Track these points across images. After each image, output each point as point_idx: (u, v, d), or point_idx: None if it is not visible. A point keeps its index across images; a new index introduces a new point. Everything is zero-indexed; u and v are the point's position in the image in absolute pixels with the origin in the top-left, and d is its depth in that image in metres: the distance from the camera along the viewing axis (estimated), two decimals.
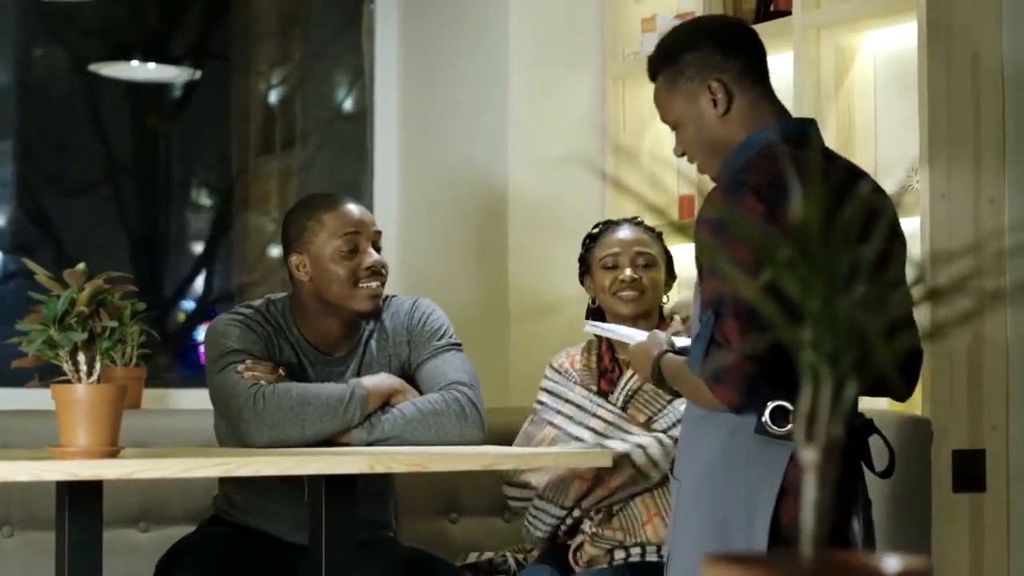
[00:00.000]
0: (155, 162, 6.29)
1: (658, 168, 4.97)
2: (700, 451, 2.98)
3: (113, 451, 3.09)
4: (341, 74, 6.20)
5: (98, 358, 3.11)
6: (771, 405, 2.82)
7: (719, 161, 3.08)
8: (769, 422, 2.84)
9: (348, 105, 6.22)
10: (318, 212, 3.83)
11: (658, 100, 3.15)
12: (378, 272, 3.81)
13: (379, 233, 3.87)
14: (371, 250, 3.81)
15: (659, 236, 4.08)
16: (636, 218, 4.12)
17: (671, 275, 4.07)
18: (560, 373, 4.06)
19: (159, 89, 6.27)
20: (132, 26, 6.18)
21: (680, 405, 3.88)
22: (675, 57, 3.09)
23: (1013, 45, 3.92)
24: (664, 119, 3.16)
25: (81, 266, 3.14)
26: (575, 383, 4.02)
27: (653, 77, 3.16)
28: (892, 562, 1.36)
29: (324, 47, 6.19)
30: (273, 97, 6.26)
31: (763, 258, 1.50)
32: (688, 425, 3.07)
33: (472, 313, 4.56)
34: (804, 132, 3.06)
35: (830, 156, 3.10)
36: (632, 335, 3.39)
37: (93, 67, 5.99)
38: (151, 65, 6.13)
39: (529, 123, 4.92)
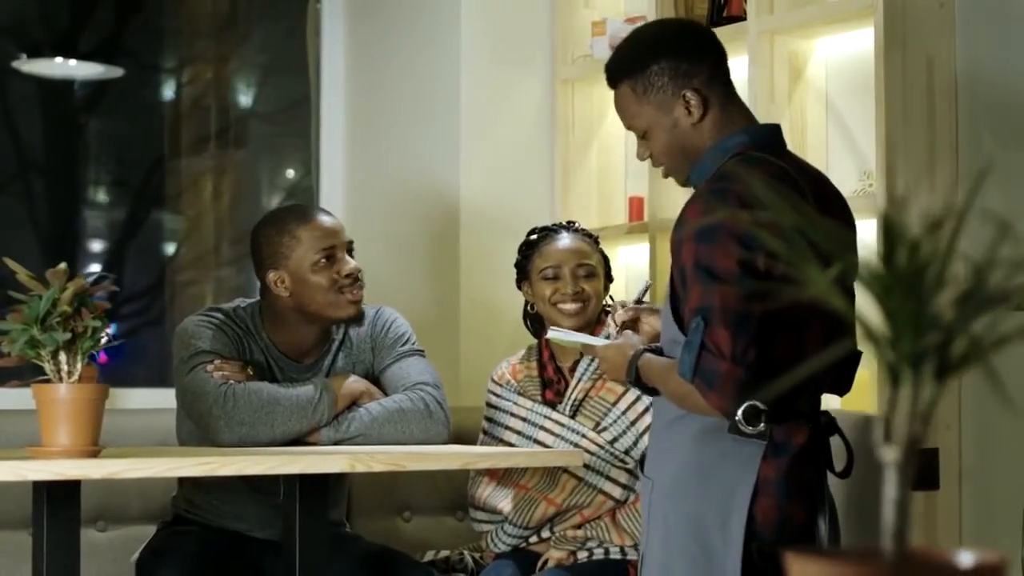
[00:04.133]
0: (67, 160, 6.24)
1: (607, 170, 5.02)
2: (673, 450, 3.02)
3: (94, 451, 3.08)
4: (277, 74, 6.19)
5: (79, 358, 3.10)
6: (744, 405, 2.87)
7: (688, 167, 3.12)
8: (743, 421, 2.89)
9: (281, 105, 6.22)
10: (291, 227, 3.83)
11: (623, 107, 3.14)
12: (357, 278, 3.83)
13: (351, 241, 3.89)
14: (347, 257, 3.83)
15: (596, 242, 4.11)
16: (573, 223, 4.14)
17: (608, 279, 4.11)
18: (501, 385, 4.10)
19: (72, 86, 6.21)
20: (45, 23, 6.12)
21: (623, 407, 3.93)
22: (641, 67, 3.08)
23: (965, 52, 4.00)
24: (630, 126, 3.15)
25: (62, 266, 3.13)
26: (516, 393, 4.05)
27: (614, 84, 3.16)
28: (969, 558, 1.40)
29: (258, 45, 6.17)
30: (197, 96, 6.23)
31: (834, 256, 1.53)
32: (660, 425, 3.10)
33: (423, 315, 4.58)
34: (774, 137, 3.12)
35: (796, 162, 3.16)
36: (597, 340, 3.43)
37: (14, 64, 5.93)
38: (72, 62, 6.08)
39: (480, 126, 4.94)
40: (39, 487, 3.15)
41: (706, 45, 3.13)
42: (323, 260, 3.79)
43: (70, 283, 3.09)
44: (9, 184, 6.20)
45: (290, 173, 6.26)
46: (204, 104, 6.14)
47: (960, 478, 3.96)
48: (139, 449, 3.58)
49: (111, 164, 6.38)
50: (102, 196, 6.42)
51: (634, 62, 3.12)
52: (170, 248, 6.39)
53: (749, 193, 2.87)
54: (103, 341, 3.13)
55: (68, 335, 3.06)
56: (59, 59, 6.01)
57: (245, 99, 6.31)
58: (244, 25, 6.17)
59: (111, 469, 3.05)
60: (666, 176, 3.21)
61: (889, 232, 1.51)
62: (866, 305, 1.54)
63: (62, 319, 3.06)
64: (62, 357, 3.08)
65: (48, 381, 3.09)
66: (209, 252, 6.09)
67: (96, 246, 6.40)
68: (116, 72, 6.07)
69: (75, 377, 3.08)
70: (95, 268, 6.35)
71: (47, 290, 3.07)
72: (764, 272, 2.81)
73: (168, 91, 6.30)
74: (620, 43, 3.22)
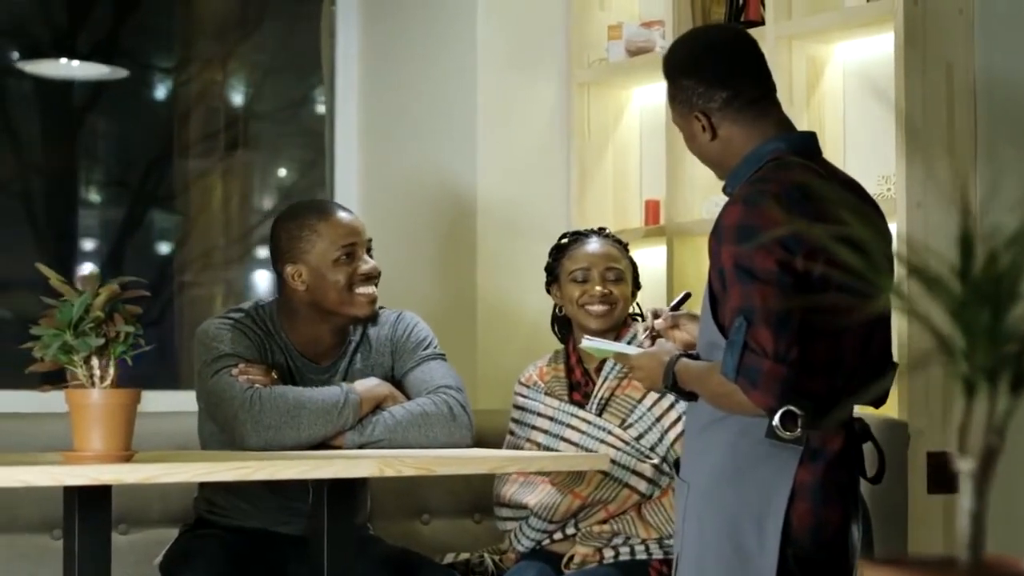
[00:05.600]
0: (67, 160, 6.24)
1: (623, 173, 5.04)
2: (709, 454, 3.05)
3: (127, 455, 3.08)
4: (283, 73, 6.19)
5: (112, 363, 3.10)
6: (781, 410, 2.90)
7: (719, 170, 3.18)
8: (779, 426, 2.92)
9: (287, 105, 6.22)
10: (313, 222, 3.84)
11: (668, 100, 3.26)
12: (373, 277, 3.85)
13: (370, 240, 3.91)
14: (366, 256, 3.85)
15: (625, 248, 4.15)
16: (603, 229, 4.18)
17: (636, 286, 4.14)
18: (528, 387, 4.13)
19: (72, 86, 6.20)
20: (44, 23, 6.11)
21: (649, 404, 3.95)
22: (672, 77, 3.21)
23: (984, 57, 4.02)
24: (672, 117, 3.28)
25: (95, 271, 3.13)
26: (543, 393, 4.08)
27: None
28: None
29: (261, 45, 6.17)
30: (200, 96, 6.23)
31: (912, 272, 1.54)
32: (695, 429, 3.13)
33: (439, 317, 4.59)
34: (809, 144, 3.16)
35: (830, 168, 3.19)
36: (631, 349, 3.45)
37: (22, 65, 5.92)
38: (75, 63, 6.08)
39: (496, 128, 4.95)
40: (71, 492, 3.15)
41: (733, 69, 3.16)
42: (343, 257, 3.81)
43: (102, 288, 3.10)
44: (7, 184, 6.19)
45: (295, 173, 6.26)
46: (207, 104, 6.14)
47: None
48: (171, 453, 3.59)
49: (112, 164, 6.37)
50: (103, 196, 6.42)
51: (669, 70, 3.23)
52: (172, 248, 6.39)
53: (785, 195, 2.91)
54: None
55: (101, 340, 3.06)
56: (63, 60, 6.01)
57: (249, 99, 6.31)
58: (246, 25, 6.17)
59: (146, 473, 3.05)
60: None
61: (965, 245, 1.52)
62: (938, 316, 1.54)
63: (95, 324, 3.07)
64: (95, 362, 3.08)
65: (67, 386, 3.10)
66: (210, 252, 6.09)
67: (98, 246, 6.39)
68: (121, 73, 6.07)
69: (108, 382, 3.09)
70: (87, 267, 6.34)
71: (78, 295, 3.08)
72: (803, 273, 2.85)
73: (171, 91, 6.30)
74: (675, 40, 3.38)
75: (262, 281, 6.14)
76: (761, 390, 2.85)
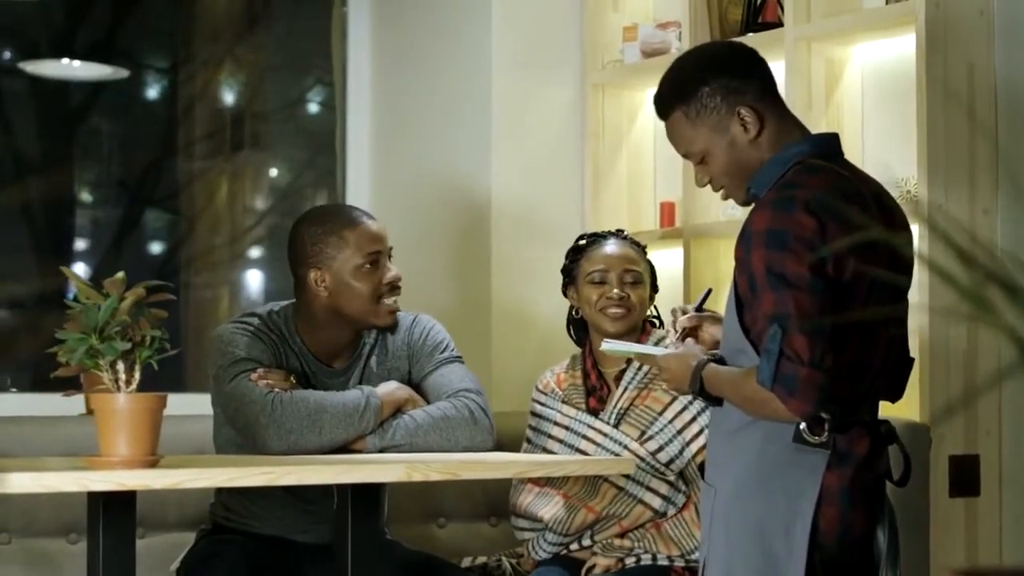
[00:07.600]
0: (63, 160, 6.21)
1: (637, 175, 5.02)
2: (736, 458, 3.04)
3: (153, 460, 3.05)
4: (285, 73, 6.18)
5: (137, 367, 3.07)
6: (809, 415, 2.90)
7: (743, 178, 3.12)
8: (806, 431, 2.91)
9: (287, 106, 6.20)
10: (339, 228, 3.81)
11: (677, 135, 3.15)
12: (396, 287, 3.83)
13: (391, 247, 3.88)
14: (389, 264, 3.83)
15: (643, 250, 4.12)
16: (621, 231, 4.15)
17: (654, 289, 4.11)
18: (546, 394, 4.11)
19: (69, 86, 6.18)
20: (42, 23, 6.09)
21: (670, 416, 3.93)
22: (692, 92, 3.10)
23: (1005, 59, 4.01)
24: (687, 153, 3.16)
25: (120, 275, 3.10)
26: (560, 401, 4.05)
27: (665, 114, 3.17)
28: None
29: (271, 45, 6.16)
30: (202, 96, 6.21)
31: (986, 279, 1.53)
32: (720, 433, 3.11)
33: (453, 320, 4.57)
34: (832, 146, 3.14)
35: (853, 170, 3.17)
36: (655, 350, 3.42)
37: (22, 65, 5.90)
38: (74, 63, 6.05)
39: (510, 130, 4.94)
40: (95, 497, 3.13)
41: (753, 63, 3.15)
42: (368, 265, 3.79)
43: (128, 292, 3.07)
44: (6, 184, 6.16)
45: (295, 173, 6.24)
46: (207, 104, 6.12)
47: (1000, 484, 3.97)
48: (194, 458, 3.56)
49: (111, 164, 6.35)
50: (101, 197, 6.40)
51: (684, 88, 3.13)
52: (171, 249, 6.36)
53: (814, 199, 2.89)
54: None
55: (127, 345, 3.03)
56: (62, 60, 5.98)
57: (249, 99, 6.29)
58: (246, 25, 6.15)
59: (172, 479, 3.03)
60: (726, 198, 3.22)
61: None
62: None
63: (121, 328, 3.04)
64: (120, 367, 3.05)
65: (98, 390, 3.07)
66: (210, 252, 6.07)
67: (95, 247, 6.37)
68: (120, 73, 6.05)
69: (133, 387, 3.06)
70: (88, 271, 6.32)
71: (103, 300, 3.05)
72: (834, 276, 2.85)
73: (170, 91, 6.28)
74: (664, 74, 3.23)
75: (255, 281, 6.13)
76: (799, 398, 2.84)
